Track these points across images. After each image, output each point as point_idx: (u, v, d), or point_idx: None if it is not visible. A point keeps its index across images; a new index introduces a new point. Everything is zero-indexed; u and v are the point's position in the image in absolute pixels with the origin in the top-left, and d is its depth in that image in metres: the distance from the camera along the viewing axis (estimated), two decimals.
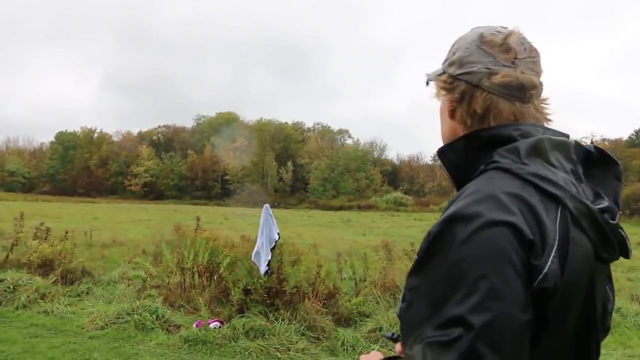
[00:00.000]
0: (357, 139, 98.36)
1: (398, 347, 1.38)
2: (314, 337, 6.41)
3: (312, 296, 6.95)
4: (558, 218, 0.97)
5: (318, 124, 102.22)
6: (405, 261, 9.59)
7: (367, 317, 7.12)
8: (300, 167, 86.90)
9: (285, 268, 7.23)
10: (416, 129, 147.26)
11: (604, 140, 75.78)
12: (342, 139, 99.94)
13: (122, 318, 6.82)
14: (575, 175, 1.08)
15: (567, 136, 1.14)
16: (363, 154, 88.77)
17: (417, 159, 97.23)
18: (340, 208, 64.85)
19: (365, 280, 8.17)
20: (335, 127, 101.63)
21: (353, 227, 29.99)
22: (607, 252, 1.04)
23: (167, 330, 6.61)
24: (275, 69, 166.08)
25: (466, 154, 1.14)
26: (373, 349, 5.88)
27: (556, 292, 0.92)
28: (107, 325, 6.72)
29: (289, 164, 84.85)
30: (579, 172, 1.10)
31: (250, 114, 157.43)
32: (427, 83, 1.31)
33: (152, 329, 6.61)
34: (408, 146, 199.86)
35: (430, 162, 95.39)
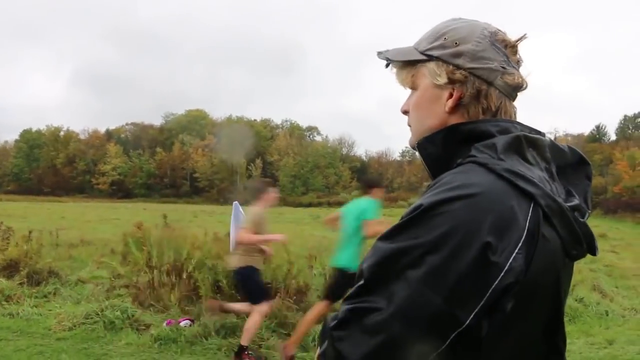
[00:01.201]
0: (326, 136, 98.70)
1: None
2: (285, 333, 6.43)
3: (283, 293, 6.97)
4: (530, 215, 0.97)
5: (287, 121, 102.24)
6: None
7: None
8: (269, 165, 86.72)
9: None
10: (384, 126, 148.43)
11: (566, 135, 77.52)
12: (311, 136, 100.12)
13: (91, 318, 6.71)
14: (549, 173, 1.09)
15: (543, 134, 1.15)
16: (332, 151, 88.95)
17: (386, 155, 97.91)
18: (309, 205, 64.92)
19: None
20: (303, 124, 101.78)
21: (322, 224, 30.01)
22: (576, 249, 1.06)
23: (137, 329, 6.54)
24: (245, 68, 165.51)
25: (445, 147, 1.14)
26: None
27: (518, 288, 0.92)
28: (75, 326, 6.61)
29: (258, 161, 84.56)
30: (553, 170, 1.11)
31: (219, 112, 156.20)
32: (388, 65, 1.28)
33: (122, 328, 6.53)
34: (376, 143, 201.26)
35: (398, 159, 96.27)
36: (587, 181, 1.16)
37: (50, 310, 7.41)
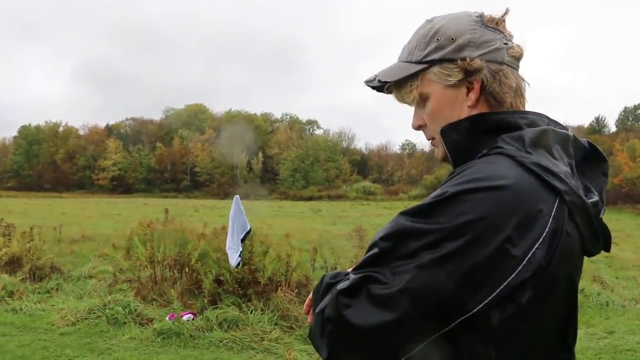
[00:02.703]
0: (328, 129, 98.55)
1: None
2: (287, 326, 6.46)
3: (285, 286, 6.99)
4: (554, 210, 0.98)
5: (286, 114, 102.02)
6: None
7: None
8: (270, 158, 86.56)
9: (256, 259, 7.26)
10: (384, 120, 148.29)
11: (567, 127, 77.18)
12: (311, 130, 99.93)
13: (94, 313, 6.77)
14: (570, 168, 1.10)
15: (567, 129, 1.15)
16: (332, 144, 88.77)
17: (386, 148, 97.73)
18: (310, 198, 64.81)
19: (336, 269, 8.23)
20: (303, 118, 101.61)
21: (323, 217, 30.04)
22: (593, 247, 1.08)
23: (139, 324, 6.58)
24: (243, 63, 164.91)
25: (469, 136, 1.13)
26: None
27: (536, 282, 0.94)
28: (78, 321, 6.67)
29: (260, 155, 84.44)
30: (573, 165, 1.11)
31: (219, 106, 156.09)
32: (388, 90, 1.25)
33: (125, 323, 6.58)
34: (376, 136, 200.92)
35: (399, 151, 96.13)
36: (604, 177, 1.18)
37: (53, 305, 7.45)
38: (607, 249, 1.12)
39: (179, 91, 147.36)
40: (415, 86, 1.19)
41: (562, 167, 1.06)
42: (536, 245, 0.93)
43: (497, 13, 1.17)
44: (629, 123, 79.62)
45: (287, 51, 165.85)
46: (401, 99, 1.24)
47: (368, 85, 1.25)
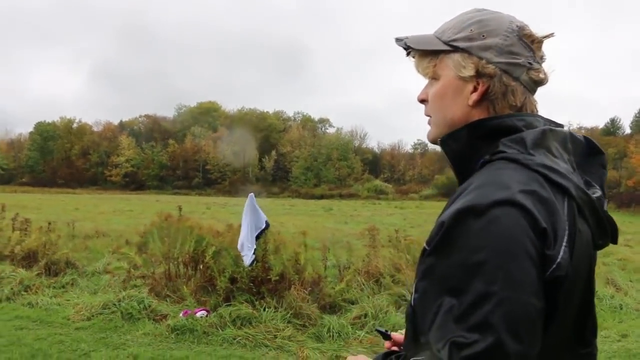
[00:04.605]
0: (341, 128, 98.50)
1: (387, 344, 1.41)
2: (300, 324, 6.48)
3: (298, 284, 7.02)
4: (566, 208, 1.00)
5: (299, 113, 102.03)
6: (389, 248, 9.70)
7: (352, 303, 7.21)
8: (282, 156, 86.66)
9: (270, 256, 7.29)
10: (396, 119, 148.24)
11: (580, 128, 76.70)
12: (323, 128, 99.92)
13: (109, 308, 6.83)
14: (570, 164, 1.11)
15: (562, 126, 1.17)
16: (344, 143, 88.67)
17: (398, 147, 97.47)
18: (322, 197, 64.82)
19: (349, 268, 8.25)
20: (315, 116, 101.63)
21: (335, 216, 30.03)
22: (602, 240, 1.09)
23: (153, 319, 6.64)
24: (256, 63, 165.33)
25: (469, 144, 1.14)
26: (359, 335, 5.94)
27: (566, 281, 0.95)
28: (93, 316, 6.74)
29: (273, 153, 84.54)
30: (573, 162, 1.12)
31: (231, 104, 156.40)
32: (408, 53, 1.26)
33: (139, 319, 6.64)
34: (388, 135, 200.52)
35: (410, 151, 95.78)
36: (603, 170, 1.18)
37: (68, 300, 7.53)
38: (615, 241, 1.14)
39: (192, 89, 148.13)
40: (433, 64, 1.20)
41: (562, 164, 1.07)
42: (564, 244, 0.95)
43: (539, 32, 1.17)
44: None
45: (299, 52, 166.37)
46: (418, 69, 1.25)
47: (397, 43, 1.25)
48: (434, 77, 1.22)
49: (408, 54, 1.27)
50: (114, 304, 6.89)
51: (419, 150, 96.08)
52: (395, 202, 54.52)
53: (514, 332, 0.87)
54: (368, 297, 7.41)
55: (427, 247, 1.02)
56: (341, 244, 10.70)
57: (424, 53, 1.22)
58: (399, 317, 6.72)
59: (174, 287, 7.47)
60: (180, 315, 6.61)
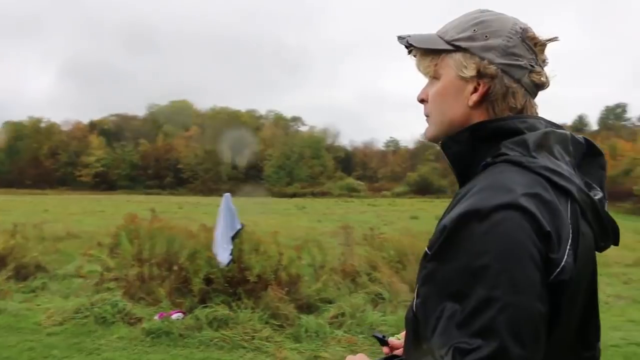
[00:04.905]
0: (314, 126, 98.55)
1: (385, 349, 1.40)
2: (278, 324, 6.44)
3: (275, 284, 6.96)
4: (569, 211, 0.99)
5: (271, 111, 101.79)
6: (365, 246, 9.71)
7: (329, 303, 7.20)
8: (254, 155, 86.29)
9: (246, 257, 7.22)
10: (367, 118, 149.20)
11: None
12: (295, 126, 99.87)
13: (81, 313, 6.69)
14: (572, 167, 1.10)
15: (563, 128, 1.16)
16: (317, 141, 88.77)
17: (370, 145, 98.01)
18: (294, 195, 64.84)
19: (324, 267, 8.22)
20: (288, 115, 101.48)
21: (308, 214, 30.07)
22: (604, 242, 1.09)
23: (128, 323, 6.51)
24: (229, 61, 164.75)
25: (470, 146, 1.13)
26: (337, 335, 5.91)
27: (570, 284, 0.94)
28: (65, 320, 6.59)
29: (246, 152, 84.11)
30: (574, 163, 1.12)
31: (203, 103, 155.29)
32: (410, 51, 1.24)
33: (113, 322, 6.50)
34: (360, 134, 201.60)
35: (382, 148, 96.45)
36: (602, 171, 1.18)
37: (39, 305, 7.37)
38: (616, 243, 1.14)
39: (163, 88, 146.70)
40: (435, 63, 1.19)
41: (564, 167, 1.06)
42: (568, 247, 0.95)
43: (542, 35, 1.16)
44: (610, 122, 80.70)
45: (271, 51, 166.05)
46: (419, 68, 1.24)
47: (399, 41, 1.24)
48: (434, 77, 1.21)
49: (409, 52, 1.25)
50: (87, 308, 6.74)
51: (391, 147, 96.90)
52: (368, 200, 54.83)
53: (518, 337, 0.86)
54: (345, 296, 7.41)
55: (428, 252, 1.00)
56: (316, 243, 10.66)
57: (426, 52, 1.21)
58: (377, 316, 6.73)
59: (148, 290, 7.34)
60: (156, 318, 6.50)
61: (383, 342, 1.41)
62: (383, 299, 7.38)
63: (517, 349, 0.86)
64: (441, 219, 1.05)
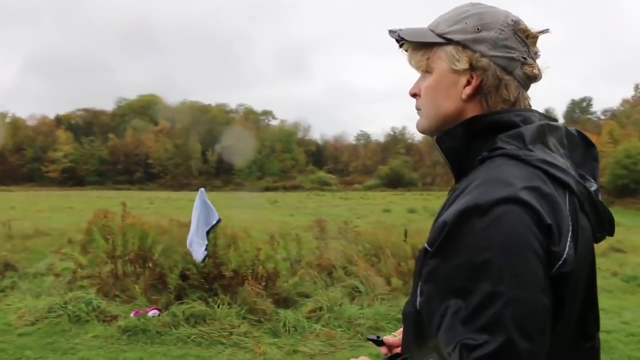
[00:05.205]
0: (285, 120, 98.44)
1: (384, 350, 1.39)
2: (256, 319, 6.41)
3: (252, 279, 6.92)
4: (567, 203, 1.00)
5: (242, 105, 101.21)
6: (340, 240, 9.73)
7: (307, 297, 7.19)
8: (225, 149, 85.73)
9: (221, 252, 7.17)
10: (338, 111, 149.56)
11: None
12: (266, 120, 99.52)
13: (54, 312, 6.54)
14: (567, 159, 1.11)
15: (557, 121, 1.17)
16: (288, 135, 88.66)
17: (341, 138, 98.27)
18: (266, 189, 64.68)
19: (300, 261, 8.20)
20: (258, 109, 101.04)
21: (280, 208, 30.06)
22: (600, 233, 1.11)
23: (103, 321, 6.40)
24: (200, 56, 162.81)
25: (465, 141, 1.13)
26: (315, 329, 5.91)
27: (572, 276, 0.94)
28: (37, 320, 6.44)
29: (217, 146, 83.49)
30: (568, 156, 1.12)
31: (173, 97, 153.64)
32: (401, 45, 1.24)
33: (88, 321, 6.38)
34: (331, 127, 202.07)
35: (353, 142, 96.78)
36: (595, 163, 1.18)
37: (9, 305, 7.20)
38: (611, 234, 1.15)
39: (132, 82, 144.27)
40: (427, 56, 1.18)
41: (560, 159, 1.07)
42: (568, 239, 0.95)
43: (534, 27, 1.16)
44: (576, 115, 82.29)
45: (241, 44, 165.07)
46: (410, 62, 1.24)
47: (390, 35, 1.22)
48: (427, 70, 1.20)
49: (401, 46, 1.24)
50: (60, 307, 6.60)
51: (362, 141, 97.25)
52: (340, 193, 55.03)
53: (524, 330, 0.87)
54: (321, 290, 7.41)
55: (429, 248, 0.99)
56: (291, 237, 10.64)
57: (418, 46, 1.20)
58: (354, 309, 6.74)
59: (123, 287, 7.24)
60: (131, 315, 6.41)
61: (379, 343, 1.40)
62: (360, 292, 7.40)
63: (524, 343, 0.86)
64: (438, 215, 1.05)
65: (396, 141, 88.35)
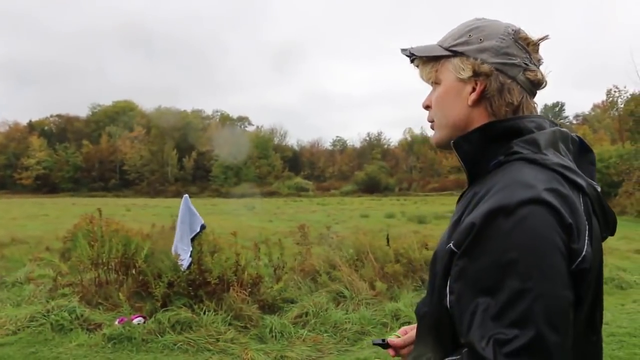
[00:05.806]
0: (261, 126, 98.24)
1: (392, 352, 1.43)
2: (242, 326, 6.38)
3: (237, 285, 6.90)
4: (582, 204, 1.06)
5: (217, 111, 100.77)
6: (322, 246, 9.74)
7: (292, 302, 7.19)
8: (202, 155, 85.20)
9: (205, 258, 7.13)
10: (314, 117, 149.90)
11: None
12: (242, 126, 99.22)
13: (36, 320, 6.42)
14: (573, 163, 1.17)
15: (562, 126, 1.23)
16: (264, 141, 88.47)
17: (317, 144, 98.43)
18: (242, 195, 64.36)
19: (283, 267, 8.19)
20: (234, 115, 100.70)
21: (258, 214, 29.89)
22: (605, 232, 1.17)
23: (87, 329, 6.29)
24: (175, 62, 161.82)
25: (481, 145, 1.18)
26: (302, 334, 5.91)
27: (590, 273, 1.01)
28: (19, 329, 6.30)
29: (194, 153, 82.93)
30: (572, 160, 1.18)
31: (148, 103, 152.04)
32: (412, 60, 1.32)
33: (71, 329, 6.27)
34: (307, 133, 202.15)
35: (330, 148, 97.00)
36: (592, 167, 1.25)
37: None
38: (613, 233, 1.22)
39: (106, 88, 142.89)
40: (435, 69, 1.27)
41: (569, 163, 1.13)
42: (586, 238, 1.01)
43: (534, 35, 1.23)
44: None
45: (216, 51, 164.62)
46: (422, 76, 1.32)
47: (402, 52, 1.32)
48: (436, 82, 1.29)
49: (412, 62, 1.34)
50: (43, 315, 6.48)
51: (338, 147, 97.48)
52: (317, 199, 55.06)
53: (552, 324, 0.92)
54: (306, 295, 7.42)
55: (456, 250, 1.04)
56: (272, 242, 10.63)
57: (427, 60, 1.29)
58: (340, 314, 6.75)
59: (106, 294, 7.15)
60: (116, 323, 6.34)
61: (385, 346, 1.44)
62: (345, 297, 7.42)
63: (553, 336, 0.91)
64: (459, 218, 1.11)
65: (372, 147, 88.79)
